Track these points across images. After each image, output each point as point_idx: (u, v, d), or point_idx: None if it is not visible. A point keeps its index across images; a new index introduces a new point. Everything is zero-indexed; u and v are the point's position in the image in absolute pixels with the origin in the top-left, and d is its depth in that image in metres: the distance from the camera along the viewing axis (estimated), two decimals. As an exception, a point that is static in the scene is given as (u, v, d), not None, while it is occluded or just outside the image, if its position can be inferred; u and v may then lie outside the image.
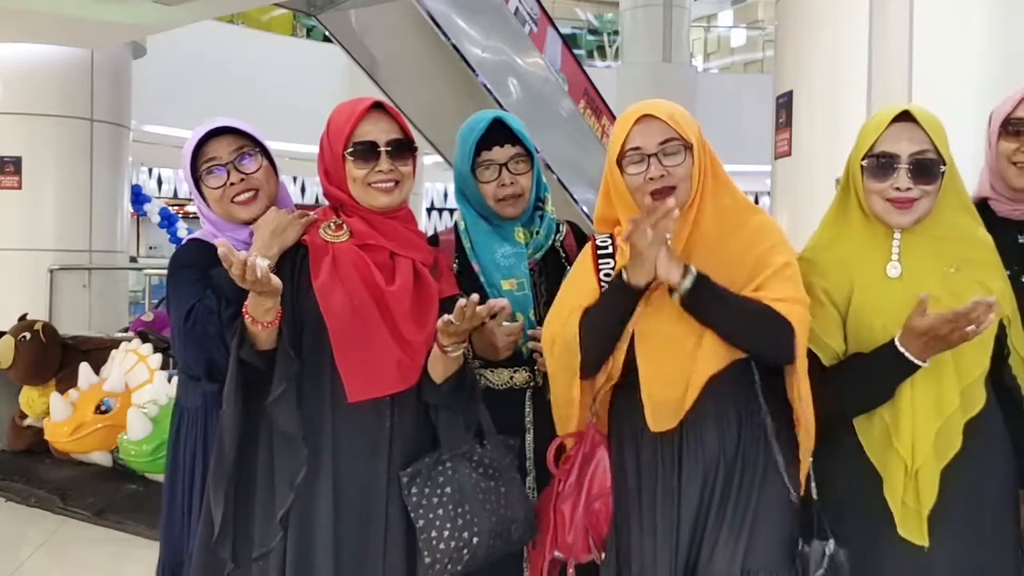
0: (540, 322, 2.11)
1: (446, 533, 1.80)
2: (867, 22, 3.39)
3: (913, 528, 1.76)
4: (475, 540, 1.82)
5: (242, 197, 2.00)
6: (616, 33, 15.90)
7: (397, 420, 1.85)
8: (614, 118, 8.75)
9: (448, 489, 1.82)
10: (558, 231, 2.22)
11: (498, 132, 2.10)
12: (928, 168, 1.76)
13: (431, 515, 1.81)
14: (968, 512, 1.78)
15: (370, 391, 1.80)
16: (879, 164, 1.78)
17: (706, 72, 16.56)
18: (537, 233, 2.17)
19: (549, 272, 2.17)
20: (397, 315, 1.83)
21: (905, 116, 1.78)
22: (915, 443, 1.74)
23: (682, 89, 12.46)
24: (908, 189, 1.76)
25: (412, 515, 1.81)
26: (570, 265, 2.14)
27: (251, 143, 2.02)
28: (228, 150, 1.99)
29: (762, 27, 17.42)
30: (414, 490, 1.82)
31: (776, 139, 3.92)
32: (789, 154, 3.79)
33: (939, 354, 1.71)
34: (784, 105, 3.83)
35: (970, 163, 2.12)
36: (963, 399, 1.76)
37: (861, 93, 3.38)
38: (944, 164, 1.77)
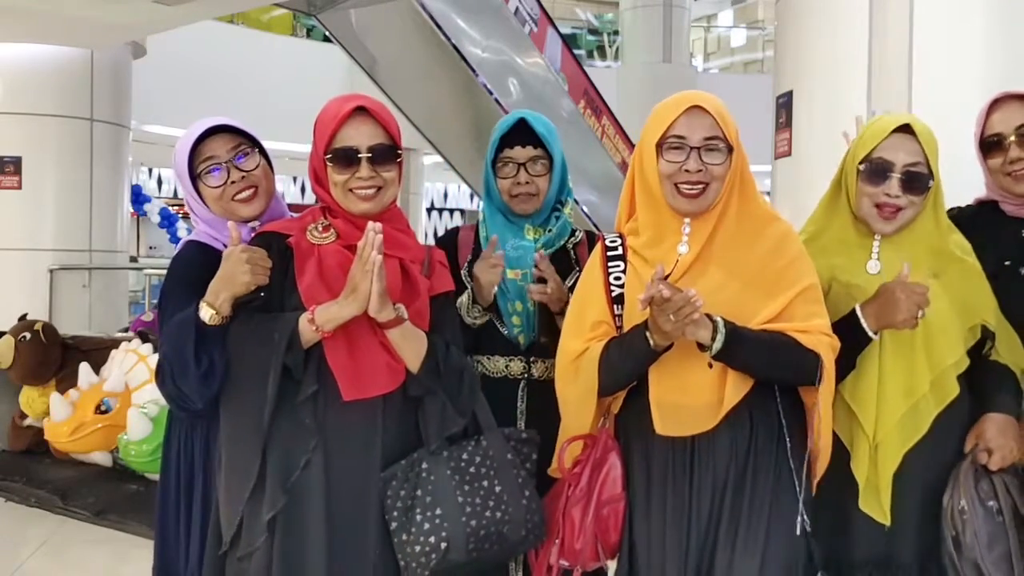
0: (536, 314, 2.20)
1: (412, 537, 1.79)
2: (867, 22, 3.39)
3: (872, 502, 1.84)
4: (443, 545, 1.78)
5: (243, 195, 1.99)
6: (616, 33, 15.90)
7: (388, 419, 1.83)
8: (614, 118, 8.73)
9: (419, 492, 1.81)
10: (573, 235, 2.29)
11: (522, 132, 2.18)
12: (919, 180, 1.85)
13: (403, 518, 1.80)
14: (928, 503, 1.86)
15: (361, 391, 1.79)
16: (875, 169, 1.86)
17: (706, 72, 16.55)
18: (549, 231, 2.24)
19: (556, 270, 2.20)
20: None
21: (905, 128, 1.85)
22: (879, 418, 1.83)
23: (682, 89, 12.32)
24: (897, 197, 1.84)
25: (386, 517, 1.81)
26: (579, 269, 2.19)
27: (248, 141, 2.01)
28: (226, 148, 1.98)
29: (762, 27, 17.42)
30: (389, 492, 1.81)
31: (776, 139, 3.91)
32: (789, 154, 3.78)
33: (910, 341, 1.82)
34: (784, 105, 3.82)
35: (971, 163, 2.13)
36: (935, 388, 1.85)
37: (861, 93, 3.38)
38: (932, 179, 1.86)
